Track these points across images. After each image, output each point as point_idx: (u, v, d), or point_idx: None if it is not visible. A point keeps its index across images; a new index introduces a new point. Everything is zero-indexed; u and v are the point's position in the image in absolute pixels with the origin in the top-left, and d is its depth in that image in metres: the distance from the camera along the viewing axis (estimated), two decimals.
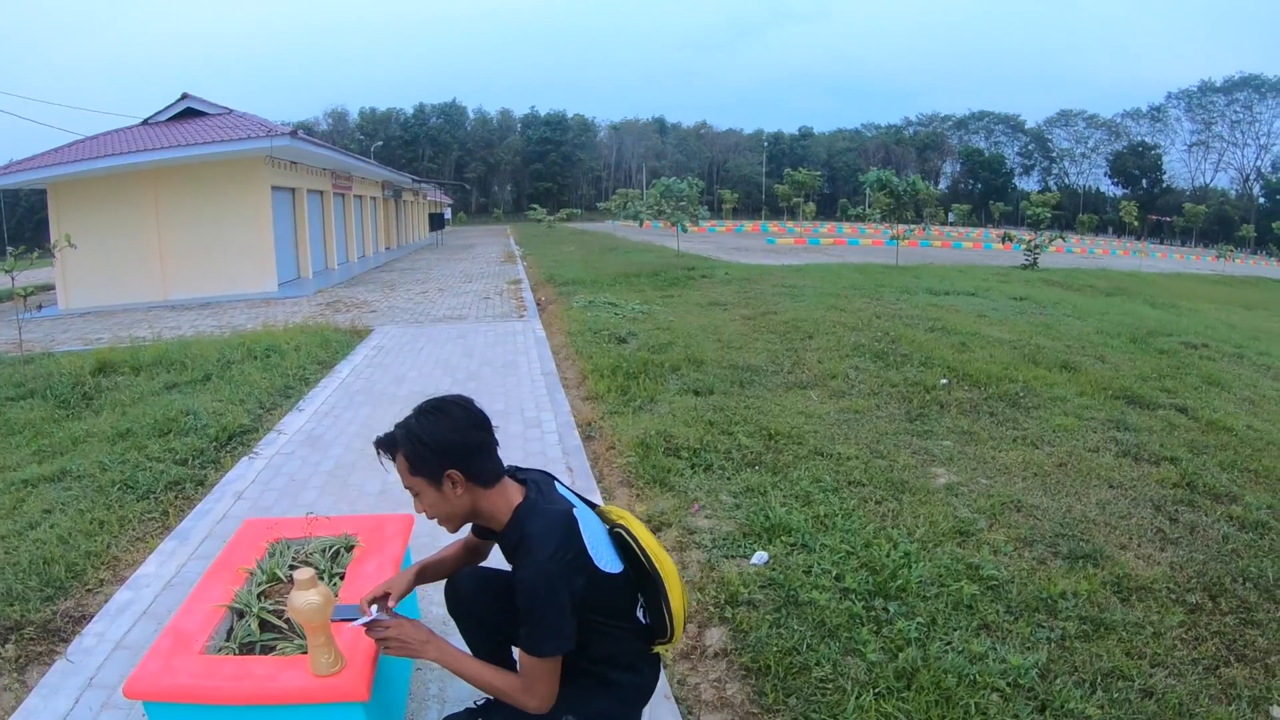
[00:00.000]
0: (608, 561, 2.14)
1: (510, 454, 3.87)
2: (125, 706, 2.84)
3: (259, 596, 2.60)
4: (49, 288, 18.61)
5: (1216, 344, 10.38)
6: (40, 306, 16.95)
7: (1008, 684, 2.92)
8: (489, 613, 2.49)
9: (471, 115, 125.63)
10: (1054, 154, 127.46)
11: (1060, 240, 37.41)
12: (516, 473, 2.22)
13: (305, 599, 2.05)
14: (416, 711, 2.89)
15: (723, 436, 5.77)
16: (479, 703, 2.64)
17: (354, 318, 13.04)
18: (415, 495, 2.09)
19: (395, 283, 19.32)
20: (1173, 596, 3.62)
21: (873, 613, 3.43)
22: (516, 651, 2.12)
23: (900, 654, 3.09)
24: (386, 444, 2.11)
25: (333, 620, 2.18)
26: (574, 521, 2.11)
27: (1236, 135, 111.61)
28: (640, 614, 2.27)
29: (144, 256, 17.12)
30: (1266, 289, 29.54)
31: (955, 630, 3.28)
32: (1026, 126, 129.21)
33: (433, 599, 3.55)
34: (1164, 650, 3.19)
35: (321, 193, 22.68)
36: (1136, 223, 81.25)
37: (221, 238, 17.29)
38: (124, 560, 4.07)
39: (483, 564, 2.60)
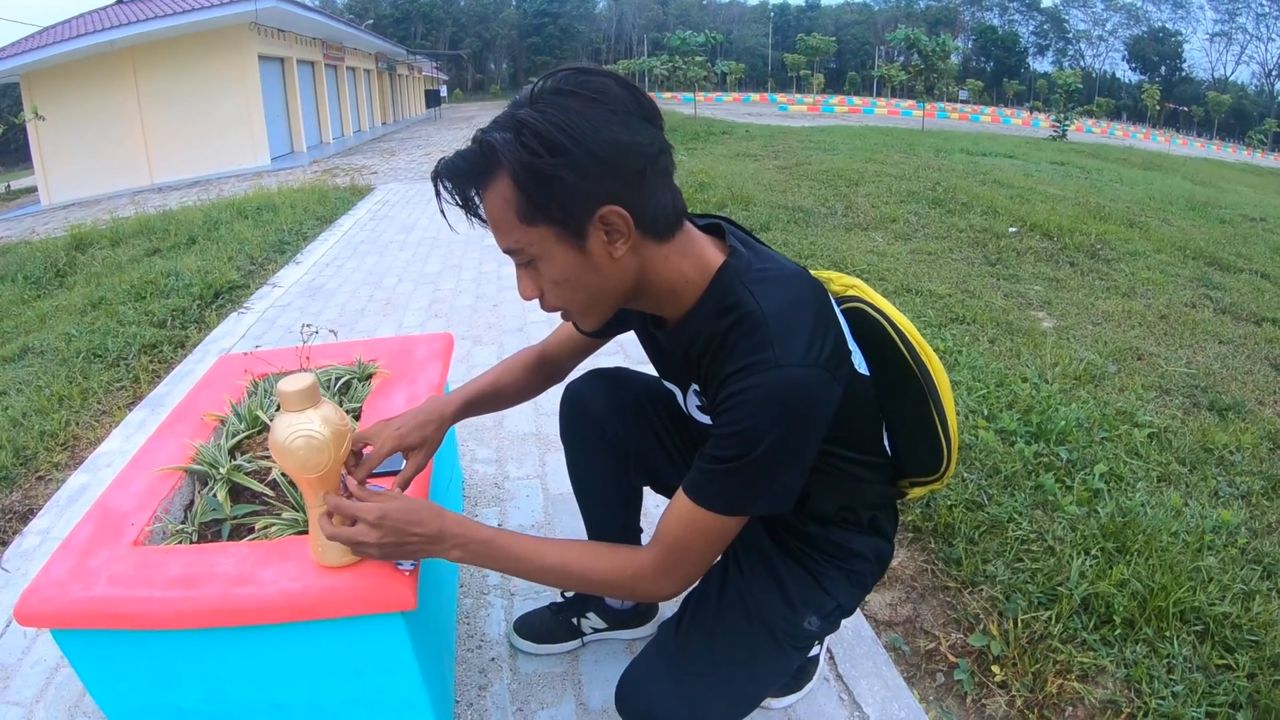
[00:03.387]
0: (858, 358, 1.20)
1: None
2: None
3: (232, 453, 1.71)
4: (34, 190, 17.69)
5: (1275, 219, 9.63)
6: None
7: (1224, 544, 2.33)
8: (633, 438, 1.58)
9: None
10: (1070, 35, 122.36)
11: (1089, 114, 35.93)
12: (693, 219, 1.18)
13: (298, 428, 1.10)
14: (473, 609, 2.05)
15: None
16: (568, 596, 1.87)
17: (353, 179, 12.20)
18: (526, 264, 1.05)
19: (395, 150, 18.54)
20: None
21: (1042, 458, 2.78)
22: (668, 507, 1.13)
23: (1099, 508, 2.44)
24: (471, 165, 0.99)
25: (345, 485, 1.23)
26: (822, 289, 1.14)
27: (1261, 29, 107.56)
28: (886, 441, 1.35)
29: (126, 141, 16.37)
30: None
31: (1139, 480, 2.70)
32: (1042, 5, 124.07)
33: (475, 455, 2.82)
34: None
35: (313, 64, 21.57)
36: (1158, 108, 78.42)
37: (208, 113, 16.49)
38: (84, 439, 3.28)
39: (602, 368, 1.66)
